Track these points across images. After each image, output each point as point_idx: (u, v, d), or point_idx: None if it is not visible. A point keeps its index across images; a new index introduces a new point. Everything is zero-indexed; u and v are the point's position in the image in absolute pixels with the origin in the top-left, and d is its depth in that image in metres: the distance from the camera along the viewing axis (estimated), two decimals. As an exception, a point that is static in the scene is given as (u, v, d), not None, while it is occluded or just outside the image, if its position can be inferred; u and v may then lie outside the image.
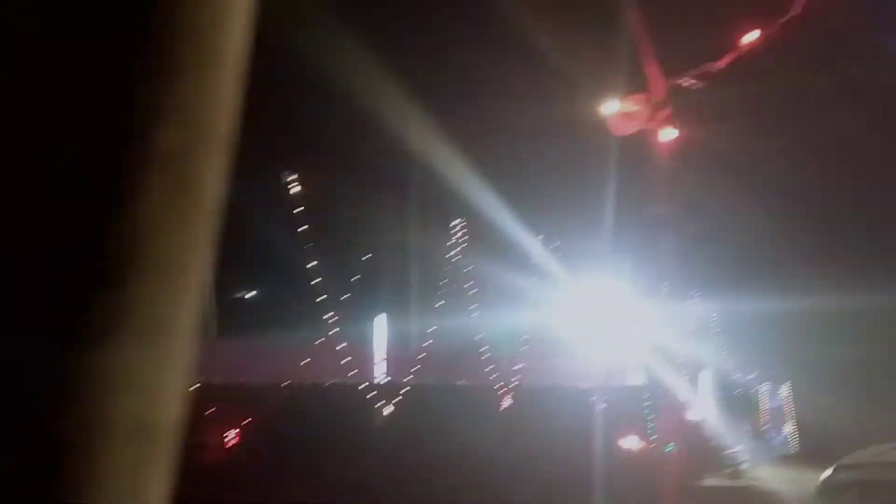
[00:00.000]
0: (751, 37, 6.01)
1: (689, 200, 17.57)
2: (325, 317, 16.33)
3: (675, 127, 5.61)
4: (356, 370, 16.71)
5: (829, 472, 13.40)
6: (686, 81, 5.78)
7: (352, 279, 17.23)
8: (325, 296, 16.40)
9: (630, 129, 5.80)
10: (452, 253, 19.44)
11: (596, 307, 15.89)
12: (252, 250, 15.68)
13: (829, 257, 18.88)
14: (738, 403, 23.34)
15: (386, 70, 14.91)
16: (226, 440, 14.51)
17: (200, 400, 14.42)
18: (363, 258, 17.69)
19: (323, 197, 16.52)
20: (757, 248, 19.98)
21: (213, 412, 14.20)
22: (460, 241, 19.57)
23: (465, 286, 19.38)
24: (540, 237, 19.14)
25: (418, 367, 17.84)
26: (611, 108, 5.74)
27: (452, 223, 19.53)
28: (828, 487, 13.16)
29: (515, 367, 19.53)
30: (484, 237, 18.81)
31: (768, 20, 6.11)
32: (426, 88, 15.11)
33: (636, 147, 5.99)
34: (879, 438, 13.84)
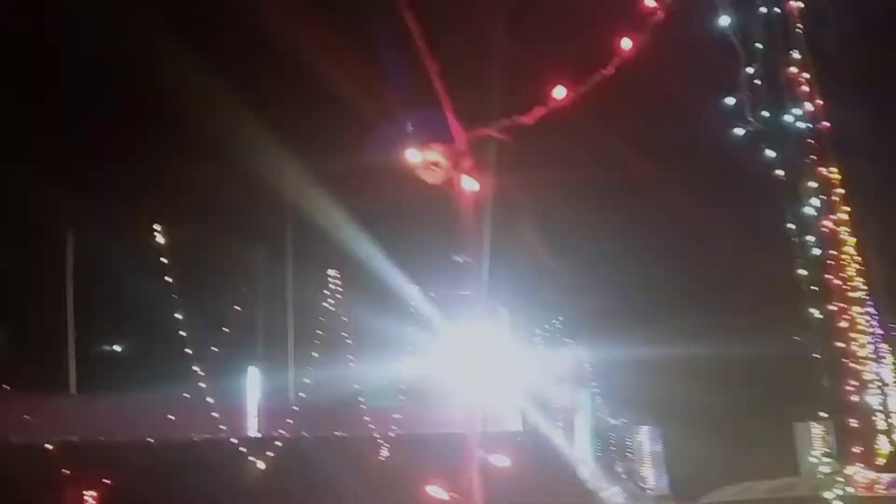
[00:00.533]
0: (559, 93, 6.22)
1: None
2: (193, 370, 15.87)
3: (477, 178, 5.75)
4: (227, 425, 16.26)
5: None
6: (491, 133, 5.95)
7: (222, 331, 16.85)
8: (194, 349, 15.96)
9: (436, 178, 5.91)
10: (328, 303, 19.32)
11: (472, 355, 16.07)
12: (115, 303, 15.14)
13: (692, 308, 19.73)
14: (612, 446, 23.96)
15: (255, 122, 14.87)
16: (84, 503, 13.81)
17: (57, 460, 13.73)
18: (235, 309, 17.36)
19: (191, 247, 16.17)
20: (628, 297, 20.70)
21: (70, 473, 13.52)
22: (336, 291, 19.48)
23: (341, 336, 19.26)
24: (416, 287, 19.26)
25: (293, 419, 17.52)
26: (414, 157, 5.84)
27: (328, 273, 19.45)
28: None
29: (394, 417, 19.45)
30: (360, 287, 18.78)
31: (580, 77, 6.36)
32: (295, 139, 15.15)
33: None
34: (736, 479, 14.59)
